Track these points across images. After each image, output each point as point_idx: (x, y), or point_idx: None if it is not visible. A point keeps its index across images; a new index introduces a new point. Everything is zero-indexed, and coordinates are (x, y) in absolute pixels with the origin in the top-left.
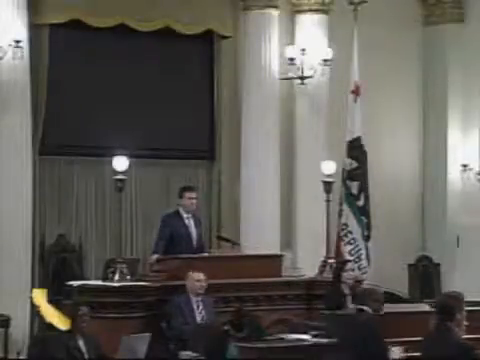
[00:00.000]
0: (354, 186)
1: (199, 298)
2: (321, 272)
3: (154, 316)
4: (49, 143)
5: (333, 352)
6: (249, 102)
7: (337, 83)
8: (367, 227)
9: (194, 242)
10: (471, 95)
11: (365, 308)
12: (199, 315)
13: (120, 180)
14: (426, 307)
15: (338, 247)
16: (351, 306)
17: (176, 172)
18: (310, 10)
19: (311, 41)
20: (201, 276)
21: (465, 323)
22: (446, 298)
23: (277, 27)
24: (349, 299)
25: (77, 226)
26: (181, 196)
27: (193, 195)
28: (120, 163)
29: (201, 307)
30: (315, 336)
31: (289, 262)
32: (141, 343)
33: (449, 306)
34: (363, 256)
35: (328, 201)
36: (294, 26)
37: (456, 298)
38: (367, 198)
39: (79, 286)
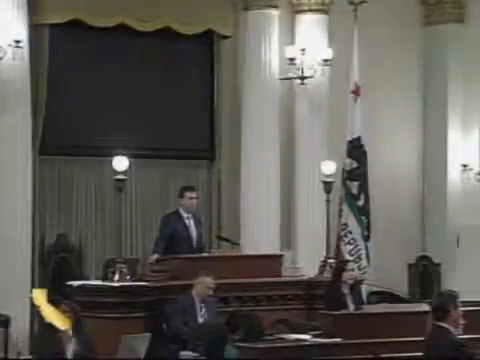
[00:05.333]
0: (354, 186)
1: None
2: (321, 272)
3: (154, 316)
4: (49, 143)
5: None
6: (249, 102)
7: (337, 83)
8: (367, 227)
9: (194, 242)
10: (471, 95)
11: None
12: (201, 318)
13: (120, 180)
14: (426, 307)
15: (338, 247)
16: (351, 306)
17: (176, 172)
18: (310, 10)
19: (311, 41)
20: (213, 283)
21: (462, 321)
22: (439, 296)
23: (277, 27)
24: (349, 299)
25: (77, 226)
26: (182, 196)
27: (194, 195)
28: (120, 163)
29: (204, 310)
30: (315, 336)
31: (289, 262)
32: (141, 343)
33: (442, 303)
34: (363, 256)
35: (328, 201)
36: (294, 26)
37: (449, 295)
38: (367, 198)
39: (79, 286)
